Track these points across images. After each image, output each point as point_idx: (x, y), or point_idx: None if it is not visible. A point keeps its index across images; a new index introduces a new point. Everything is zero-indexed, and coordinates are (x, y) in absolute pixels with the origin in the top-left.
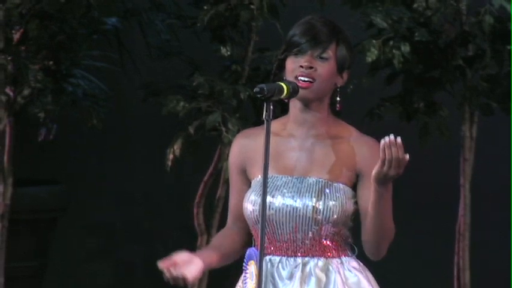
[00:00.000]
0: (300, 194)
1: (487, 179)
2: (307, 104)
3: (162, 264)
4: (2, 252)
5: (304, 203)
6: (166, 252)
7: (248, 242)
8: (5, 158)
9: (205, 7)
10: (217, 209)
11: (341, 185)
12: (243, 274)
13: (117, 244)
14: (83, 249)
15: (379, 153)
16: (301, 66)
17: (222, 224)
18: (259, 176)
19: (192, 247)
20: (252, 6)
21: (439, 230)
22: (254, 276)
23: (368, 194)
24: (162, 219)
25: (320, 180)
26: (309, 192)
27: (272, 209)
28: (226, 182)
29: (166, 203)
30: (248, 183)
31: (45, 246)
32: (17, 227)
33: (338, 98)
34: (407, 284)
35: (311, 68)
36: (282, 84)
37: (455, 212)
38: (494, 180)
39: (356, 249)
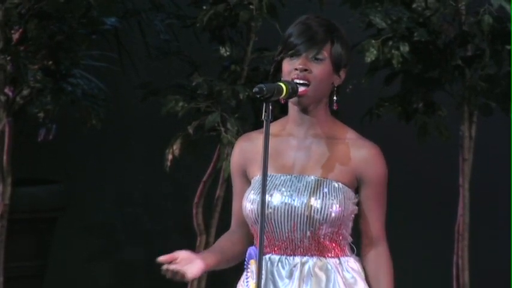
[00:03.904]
0: (298, 192)
1: (486, 179)
2: (304, 107)
3: (162, 258)
4: (1, 252)
5: (302, 201)
6: (166, 252)
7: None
8: (4, 157)
9: (204, 7)
10: (216, 208)
11: (340, 185)
12: (245, 273)
13: (117, 244)
14: (83, 249)
15: (378, 157)
16: (296, 69)
17: (221, 224)
18: (258, 175)
19: (191, 247)
20: (251, 7)
21: (438, 230)
22: (256, 275)
23: (372, 207)
24: (162, 219)
25: (318, 178)
26: (307, 191)
27: (270, 207)
28: (225, 182)
29: (165, 203)
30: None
31: (44, 246)
32: (16, 227)
33: (335, 98)
34: (407, 284)
35: (306, 70)
36: (281, 84)
37: (455, 212)
38: (494, 180)
39: (355, 249)
